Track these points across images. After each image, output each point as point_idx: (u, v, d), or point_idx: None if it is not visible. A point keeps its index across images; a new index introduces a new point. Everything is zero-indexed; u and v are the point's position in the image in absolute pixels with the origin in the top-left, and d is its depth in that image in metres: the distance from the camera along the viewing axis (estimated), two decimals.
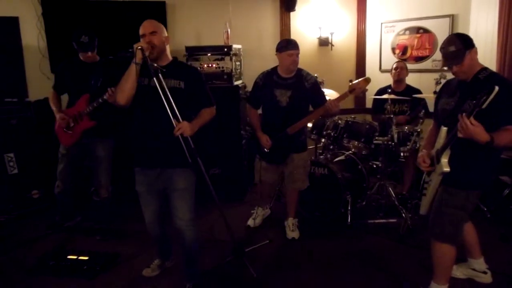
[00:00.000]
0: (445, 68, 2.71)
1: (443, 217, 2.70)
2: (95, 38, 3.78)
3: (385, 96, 4.47)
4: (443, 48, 2.66)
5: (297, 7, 5.84)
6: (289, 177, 4.00)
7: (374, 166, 4.75)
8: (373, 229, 4.16)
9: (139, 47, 2.66)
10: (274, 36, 5.92)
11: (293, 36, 6.01)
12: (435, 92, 4.08)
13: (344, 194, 4.16)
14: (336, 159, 4.53)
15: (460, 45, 2.58)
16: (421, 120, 4.46)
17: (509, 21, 4.65)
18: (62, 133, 3.84)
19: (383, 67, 6.14)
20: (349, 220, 4.16)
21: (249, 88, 4.11)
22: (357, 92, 3.61)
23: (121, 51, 4.08)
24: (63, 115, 3.76)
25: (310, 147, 5.27)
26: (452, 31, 5.35)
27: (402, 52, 5.95)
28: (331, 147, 4.71)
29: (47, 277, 3.37)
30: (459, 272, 3.18)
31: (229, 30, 5.32)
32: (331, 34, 6.08)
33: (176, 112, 2.71)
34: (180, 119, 2.73)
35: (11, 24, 4.98)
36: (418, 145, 4.36)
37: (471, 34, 5.01)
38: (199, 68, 4.90)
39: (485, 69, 2.65)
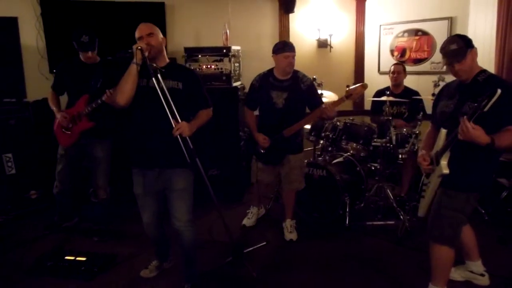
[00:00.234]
0: (445, 68, 2.72)
1: (442, 220, 2.70)
2: (95, 38, 3.77)
3: (384, 98, 4.47)
4: (443, 48, 2.65)
5: (296, 9, 5.86)
6: (285, 178, 4.01)
7: (373, 168, 4.75)
8: (371, 231, 4.17)
9: (139, 48, 2.67)
10: (273, 38, 5.93)
11: (292, 37, 6.02)
12: (433, 95, 4.10)
13: (343, 195, 4.16)
14: (335, 160, 4.53)
15: (461, 43, 2.59)
16: (419, 122, 4.46)
17: (507, 23, 4.66)
18: (61, 133, 3.83)
19: (381, 69, 6.16)
20: (347, 222, 4.16)
21: (247, 89, 4.12)
22: (353, 98, 3.59)
23: (120, 52, 4.08)
24: (64, 113, 3.75)
25: (309, 148, 5.29)
26: (450, 33, 5.36)
27: (401, 54, 5.97)
28: (330, 148, 4.71)
29: (45, 278, 3.36)
30: (457, 274, 3.19)
31: (228, 31, 5.33)
32: (330, 36, 6.09)
33: (175, 113, 2.71)
34: (179, 120, 2.74)
35: (10, 24, 4.98)
36: (416, 147, 4.37)
37: (470, 36, 4.99)
38: (197, 69, 4.93)
39: (483, 71, 2.65)
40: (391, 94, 4.61)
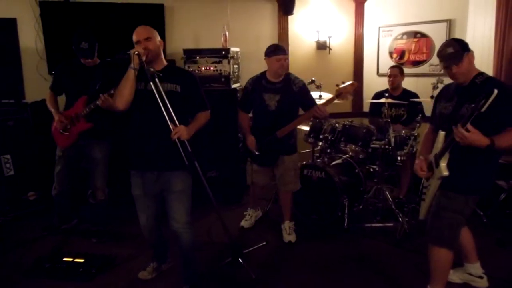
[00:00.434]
0: (443, 71, 2.73)
1: (441, 221, 2.70)
2: (95, 44, 3.75)
3: (382, 100, 4.48)
4: (440, 51, 2.68)
5: (295, 11, 5.86)
6: (280, 180, 4.04)
7: (371, 170, 4.76)
8: (370, 233, 4.17)
9: (136, 53, 2.68)
10: (272, 40, 5.93)
11: (291, 39, 6.03)
12: (432, 97, 4.10)
13: (341, 197, 4.16)
14: (333, 162, 4.53)
15: (458, 46, 2.61)
16: (418, 124, 4.47)
17: (506, 26, 4.67)
18: (59, 135, 3.83)
19: (380, 71, 6.16)
20: (346, 224, 4.16)
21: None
22: (344, 96, 3.66)
23: (119, 53, 4.09)
24: (62, 117, 3.75)
25: (307, 150, 5.30)
26: (449, 36, 5.37)
27: (400, 56, 5.97)
28: (328, 150, 4.71)
29: (43, 279, 3.35)
30: (455, 276, 3.19)
31: (227, 33, 5.33)
32: (329, 37, 6.09)
33: (173, 116, 2.71)
34: (177, 123, 2.74)
35: (9, 26, 4.98)
36: (415, 149, 4.37)
37: (468, 39, 5.06)
38: (196, 71, 4.94)
39: (481, 73, 2.67)
40: (390, 96, 4.62)
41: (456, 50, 2.60)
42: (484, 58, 4.85)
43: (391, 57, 6.06)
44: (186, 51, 5.03)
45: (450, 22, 5.40)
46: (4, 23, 4.96)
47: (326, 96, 4.94)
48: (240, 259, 3.31)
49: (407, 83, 5.15)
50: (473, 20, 5.14)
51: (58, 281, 3.34)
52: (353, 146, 4.53)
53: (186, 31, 5.61)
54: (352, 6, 6.26)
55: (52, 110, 3.84)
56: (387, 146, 4.31)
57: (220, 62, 5.05)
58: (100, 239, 4.03)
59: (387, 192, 4.44)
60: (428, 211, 2.85)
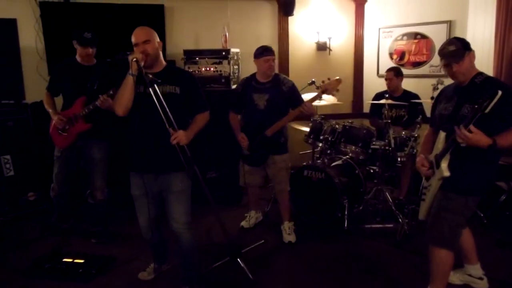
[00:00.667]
0: (443, 70, 2.73)
1: (442, 223, 2.70)
2: (96, 37, 3.78)
3: (383, 101, 4.48)
4: (442, 49, 2.68)
5: (295, 12, 5.86)
6: (273, 179, 4.09)
7: (371, 171, 4.75)
8: (370, 234, 4.16)
9: (134, 59, 2.67)
10: (272, 40, 5.93)
11: (291, 40, 6.03)
12: (432, 98, 4.10)
13: (341, 198, 4.16)
14: (333, 163, 4.53)
15: (459, 45, 2.62)
16: (418, 126, 4.46)
17: (506, 27, 4.67)
18: (57, 135, 3.82)
19: (380, 72, 6.15)
20: (346, 225, 4.16)
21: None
22: (330, 92, 3.79)
23: (119, 54, 4.11)
24: (61, 116, 3.75)
25: (308, 151, 5.30)
26: (449, 37, 5.36)
27: (400, 57, 5.97)
28: (328, 151, 4.71)
29: (43, 280, 3.35)
30: (455, 278, 3.18)
31: (227, 34, 5.33)
32: (329, 38, 6.09)
33: (172, 121, 2.71)
34: (176, 127, 2.73)
35: (9, 26, 4.97)
36: (415, 150, 4.36)
37: (468, 40, 4.91)
38: (196, 72, 4.94)
39: (480, 73, 2.67)
40: (390, 97, 4.62)
41: (457, 48, 2.61)
42: (484, 59, 4.85)
43: (391, 58, 6.06)
44: (186, 52, 5.03)
45: (450, 23, 5.40)
46: (4, 23, 4.96)
47: (326, 97, 4.94)
48: (238, 259, 3.31)
49: (407, 84, 5.14)
50: (473, 21, 5.14)
51: (57, 281, 3.33)
52: (353, 147, 4.53)
53: (186, 32, 5.61)
54: (352, 7, 6.26)
55: (50, 110, 3.83)
56: (387, 147, 4.30)
57: (220, 63, 5.05)
58: (100, 239, 4.02)
59: (387, 193, 4.44)
60: (428, 211, 2.85)
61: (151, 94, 2.67)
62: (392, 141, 4.28)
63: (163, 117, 2.67)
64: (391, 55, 6.07)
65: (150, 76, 2.72)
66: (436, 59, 5.53)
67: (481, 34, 5.02)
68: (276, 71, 5.58)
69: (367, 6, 6.25)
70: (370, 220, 4.42)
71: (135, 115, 2.84)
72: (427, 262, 2.87)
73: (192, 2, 5.61)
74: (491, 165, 2.70)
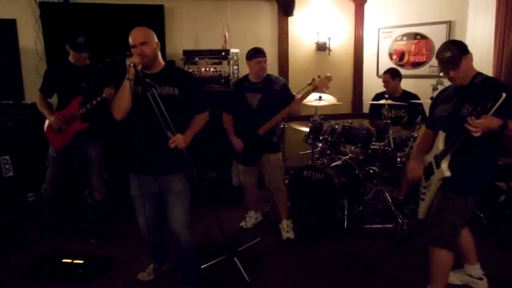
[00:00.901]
0: (441, 74, 2.74)
1: (442, 223, 2.70)
2: (89, 41, 3.80)
3: (382, 101, 4.48)
4: (439, 55, 2.70)
5: (295, 12, 5.86)
6: (267, 178, 4.11)
7: (371, 171, 4.75)
8: (369, 234, 4.17)
9: (132, 64, 2.65)
10: (272, 41, 5.93)
11: (291, 40, 6.03)
12: (432, 98, 4.10)
13: (341, 199, 4.16)
14: (333, 164, 4.53)
15: (456, 50, 2.62)
16: (418, 126, 4.47)
17: (506, 27, 4.67)
18: (53, 135, 3.82)
19: (380, 73, 6.13)
20: (345, 225, 4.16)
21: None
22: (320, 89, 3.85)
23: (119, 54, 4.09)
24: (58, 116, 3.74)
25: (307, 151, 5.29)
26: (449, 37, 5.36)
27: (399, 57, 5.97)
28: (328, 152, 4.71)
29: (43, 280, 3.35)
30: (455, 278, 3.18)
31: (227, 34, 5.33)
32: (329, 39, 6.09)
33: (170, 124, 2.70)
34: (174, 131, 2.73)
35: (8, 26, 4.96)
36: None
37: (468, 40, 5.05)
38: (196, 72, 4.94)
39: (479, 74, 2.68)
40: (390, 98, 4.62)
41: (454, 55, 2.61)
42: (484, 60, 4.85)
43: (391, 58, 6.06)
44: (186, 52, 5.03)
45: (450, 24, 5.40)
46: (3, 24, 4.95)
47: (326, 97, 4.95)
48: (235, 258, 3.31)
49: (407, 85, 5.14)
50: (473, 21, 5.14)
51: (57, 282, 3.33)
52: (353, 147, 4.53)
53: (186, 32, 5.61)
54: (352, 8, 6.26)
55: (45, 111, 3.84)
56: (386, 148, 4.31)
57: (219, 63, 5.06)
58: (100, 239, 4.02)
59: (386, 194, 4.44)
60: (427, 211, 2.85)
61: (148, 96, 2.66)
62: (392, 141, 4.28)
63: (161, 119, 2.66)
64: (390, 55, 6.07)
65: (147, 80, 2.71)
66: (435, 60, 5.53)
67: (480, 34, 5.02)
68: (276, 71, 5.61)
69: (366, 7, 6.25)
70: (370, 220, 4.42)
71: (133, 116, 2.83)
72: (427, 262, 2.87)
73: (191, 2, 5.61)
74: (491, 165, 2.70)
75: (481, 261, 3.16)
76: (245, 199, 4.54)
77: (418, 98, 4.81)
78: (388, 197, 4.41)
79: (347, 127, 4.58)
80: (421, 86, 5.27)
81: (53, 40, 5.00)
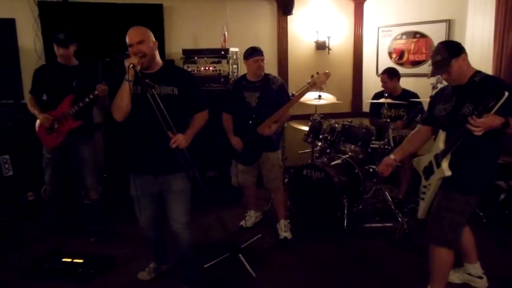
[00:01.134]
0: (430, 77, 2.75)
1: (442, 222, 2.70)
2: (73, 37, 3.82)
3: (382, 100, 4.48)
4: (432, 57, 2.72)
5: (294, 11, 5.85)
6: (266, 177, 4.10)
7: (371, 170, 4.75)
8: (369, 233, 4.16)
9: (131, 65, 2.64)
10: (272, 40, 5.93)
11: (290, 39, 6.02)
12: (431, 97, 4.10)
13: (341, 197, 4.16)
14: (333, 162, 4.52)
15: (445, 54, 2.62)
16: (418, 125, 4.46)
17: (506, 26, 4.67)
18: (45, 135, 3.83)
19: (379, 71, 6.13)
20: (345, 224, 4.16)
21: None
22: (318, 86, 3.81)
23: (118, 54, 4.11)
24: (46, 115, 3.74)
25: (307, 150, 5.29)
26: (448, 36, 5.36)
27: (399, 56, 5.97)
28: (328, 150, 4.71)
29: (42, 280, 3.34)
30: (455, 277, 3.18)
31: (226, 33, 5.33)
32: (328, 38, 6.09)
33: (170, 124, 2.69)
34: (175, 131, 2.72)
35: (7, 26, 4.96)
36: None
37: (468, 39, 5.05)
38: (196, 71, 4.93)
39: (478, 72, 2.67)
40: (389, 97, 4.62)
41: (443, 58, 2.62)
42: (483, 58, 4.85)
43: (391, 57, 6.06)
44: (185, 51, 5.03)
45: (449, 22, 5.39)
46: (2, 23, 4.94)
47: (326, 96, 4.95)
48: (240, 255, 3.33)
49: (407, 83, 5.14)
50: (472, 20, 5.13)
51: (57, 281, 3.32)
52: (353, 146, 4.53)
53: (185, 31, 5.60)
54: (351, 6, 6.26)
55: (36, 112, 3.82)
56: (386, 146, 4.30)
57: (219, 62, 5.06)
58: (100, 238, 4.03)
59: (386, 192, 4.45)
60: (427, 211, 2.85)
61: (147, 96, 2.65)
62: (392, 140, 4.28)
63: (161, 120, 2.66)
64: (390, 54, 6.06)
65: (147, 81, 2.70)
66: None
67: (480, 33, 5.02)
68: (276, 70, 5.61)
69: (366, 5, 6.25)
70: (370, 219, 4.42)
71: (133, 116, 2.82)
72: (427, 261, 2.87)
73: (191, 2, 5.60)
74: (491, 164, 2.70)
75: (481, 259, 3.16)
76: (245, 199, 4.54)
77: (417, 97, 4.81)
78: (388, 196, 4.42)
79: (346, 126, 4.58)
80: (421, 85, 5.26)
81: (52, 39, 4.99)
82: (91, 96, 3.65)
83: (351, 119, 4.85)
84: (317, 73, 3.78)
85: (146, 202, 2.98)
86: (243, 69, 5.32)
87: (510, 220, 4.20)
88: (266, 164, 4.04)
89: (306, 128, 4.82)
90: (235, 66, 5.21)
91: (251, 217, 4.42)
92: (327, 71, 3.77)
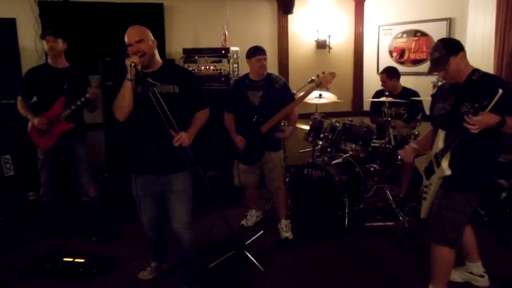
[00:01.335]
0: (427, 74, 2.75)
1: (443, 221, 2.69)
2: (62, 34, 3.87)
3: (383, 99, 4.47)
4: (430, 53, 2.72)
5: (294, 10, 5.85)
6: (268, 177, 4.09)
7: (372, 169, 4.74)
8: (370, 232, 4.16)
9: (132, 64, 2.64)
10: (272, 39, 5.93)
11: (291, 38, 6.02)
12: (432, 95, 4.10)
13: (342, 196, 4.15)
14: (334, 161, 4.52)
15: (443, 51, 2.61)
16: (419, 123, 4.46)
17: (506, 24, 4.66)
18: (38, 137, 3.83)
19: (380, 70, 6.13)
20: (346, 223, 4.16)
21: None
22: (323, 86, 3.81)
23: (118, 53, 4.12)
24: (41, 118, 3.75)
25: (308, 149, 5.29)
26: (449, 34, 5.36)
27: (400, 55, 5.96)
28: (329, 149, 4.71)
29: (43, 279, 3.35)
30: (456, 275, 3.18)
31: (226, 32, 5.32)
32: (329, 36, 6.08)
33: (172, 122, 2.69)
34: (177, 129, 2.72)
35: (8, 26, 4.95)
36: None
37: (468, 37, 5.04)
38: (196, 71, 4.93)
39: (476, 70, 2.66)
40: (390, 95, 4.61)
41: (441, 55, 2.61)
42: (484, 57, 4.84)
43: (391, 56, 6.05)
44: (185, 51, 5.03)
45: (450, 21, 5.39)
46: (3, 23, 4.94)
47: (326, 95, 4.95)
48: (246, 252, 3.35)
49: (408, 82, 5.13)
50: (473, 18, 5.13)
51: (58, 281, 3.33)
52: (354, 145, 4.52)
53: (186, 31, 5.60)
54: (351, 5, 6.25)
55: (29, 115, 3.81)
56: (387, 145, 4.30)
57: (219, 61, 5.06)
58: (100, 237, 4.03)
59: (387, 191, 4.44)
60: (429, 210, 2.84)
61: (149, 95, 2.65)
62: (392, 139, 4.28)
63: (164, 119, 2.66)
64: (391, 53, 6.06)
65: (150, 80, 2.70)
66: None
67: (481, 31, 5.01)
68: (276, 69, 5.60)
69: (366, 4, 6.24)
70: (371, 218, 4.41)
71: (134, 116, 2.81)
72: (428, 260, 2.86)
73: (191, 1, 5.60)
74: (491, 163, 2.70)
75: (482, 258, 3.15)
76: (245, 199, 4.54)
77: (417, 95, 4.81)
78: (389, 195, 4.41)
79: (347, 125, 4.58)
80: (422, 83, 5.25)
81: (40, 37, 4.99)
82: (82, 99, 3.69)
83: (352, 118, 4.85)
84: (323, 73, 3.76)
85: (148, 202, 2.98)
86: (243, 68, 5.33)
87: (511, 219, 4.19)
88: (268, 164, 4.03)
89: (306, 127, 4.82)
90: (235, 65, 5.21)
91: (252, 217, 4.43)
92: (332, 71, 3.76)
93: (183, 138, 2.73)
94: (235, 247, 3.38)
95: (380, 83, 5.10)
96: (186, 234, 2.98)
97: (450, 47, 2.62)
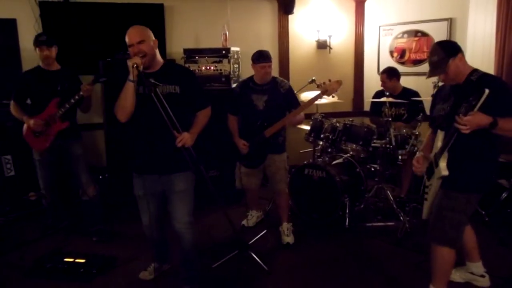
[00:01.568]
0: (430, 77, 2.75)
1: (444, 221, 2.69)
2: (54, 41, 3.93)
3: (383, 99, 4.47)
4: (429, 58, 2.72)
5: (295, 10, 5.84)
6: (272, 179, 4.08)
7: (372, 169, 4.74)
8: (371, 232, 4.16)
9: (134, 65, 2.64)
10: (273, 39, 5.92)
11: (291, 38, 6.01)
12: (433, 96, 4.09)
13: (342, 197, 4.15)
14: (334, 162, 4.52)
15: (442, 54, 2.62)
16: (419, 123, 4.46)
17: (507, 24, 4.65)
18: (33, 139, 3.85)
19: (381, 70, 6.14)
20: (347, 223, 4.16)
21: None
22: (329, 93, 3.79)
23: (119, 53, 4.12)
24: (37, 119, 3.76)
25: (308, 150, 5.29)
26: (450, 34, 5.35)
27: (400, 55, 5.96)
28: (329, 150, 4.70)
29: (44, 280, 3.35)
30: (457, 275, 3.18)
31: (227, 32, 5.32)
32: (329, 37, 6.08)
33: (175, 122, 2.69)
34: (180, 129, 2.72)
35: (8, 26, 4.95)
36: (416, 148, 4.35)
37: (469, 37, 5.04)
38: (197, 71, 4.93)
39: (476, 70, 2.66)
40: (390, 95, 4.61)
41: (440, 58, 2.61)
42: (485, 57, 4.83)
43: (392, 56, 6.05)
44: (186, 51, 5.03)
45: (450, 21, 5.38)
46: (3, 23, 4.94)
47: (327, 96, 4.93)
48: (250, 252, 3.36)
49: (408, 82, 5.13)
50: (474, 18, 5.13)
51: (58, 281, 3.33)
52: (354, 145, 4.52)
53: (186, 31, 5.60)
54: (352, 5, 6.25)
55: (24, 117, 3.84)
56: (388, 145, 4.30)
57: (220, 61, 5.05)
58: (101, 237, 4.04)
59: (388, 191, 4.43)
60: (430, 210, 2.84)
61: (151, 95, 2.65)
62: (393, 139, 4.28)
63: (166, 119, 2.66)
64: (391, 53, 6.06)
65: (152, 80, 2.70)
66: None
67: (482, 31, 5.00)
68: (277, 69, 5.60)
69: (367, 4, 6.24)
70: (371, 218, 4.41)
71: (136, 116, 2.82)
72: (429, 260, 2.86)
73: (191, 1, 5.60)
74: (489, 162, 2.70)
75: (483, 258, 3.15)
76: (246, 200, 4.53)
77: (418, 95, 4.80)
78: (390, 195, 4.41)
79: (348, 125, 4.57)
80: (422, 84, 5.25)
81: (33, 43, 4.99)
82: (76, 97, 3.73)
83: (353, 118, 4.85)
84: (329, 81, 3.75)
85: (149, 201, 2.98)
86: (244, 69, 5.34)
87: None
88: (272, 167, 4.00)
89: (307, 128, 4.82)
90: (236, 66, 5.21)
91: (253, 217, 4.42)
92: (339, 79, 3.74)
93: (186, 139, 2.73)
94: (238, 247, 3.37)
95: (380, 83, 5.10)
96: (187, 234, 2.98)
97: (448, 50, 2.63)
